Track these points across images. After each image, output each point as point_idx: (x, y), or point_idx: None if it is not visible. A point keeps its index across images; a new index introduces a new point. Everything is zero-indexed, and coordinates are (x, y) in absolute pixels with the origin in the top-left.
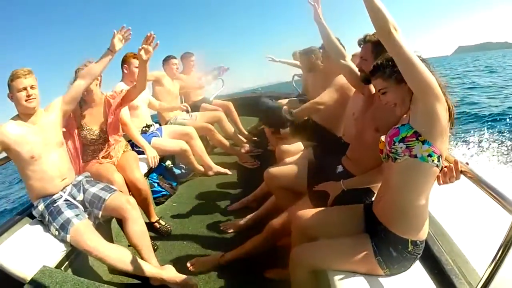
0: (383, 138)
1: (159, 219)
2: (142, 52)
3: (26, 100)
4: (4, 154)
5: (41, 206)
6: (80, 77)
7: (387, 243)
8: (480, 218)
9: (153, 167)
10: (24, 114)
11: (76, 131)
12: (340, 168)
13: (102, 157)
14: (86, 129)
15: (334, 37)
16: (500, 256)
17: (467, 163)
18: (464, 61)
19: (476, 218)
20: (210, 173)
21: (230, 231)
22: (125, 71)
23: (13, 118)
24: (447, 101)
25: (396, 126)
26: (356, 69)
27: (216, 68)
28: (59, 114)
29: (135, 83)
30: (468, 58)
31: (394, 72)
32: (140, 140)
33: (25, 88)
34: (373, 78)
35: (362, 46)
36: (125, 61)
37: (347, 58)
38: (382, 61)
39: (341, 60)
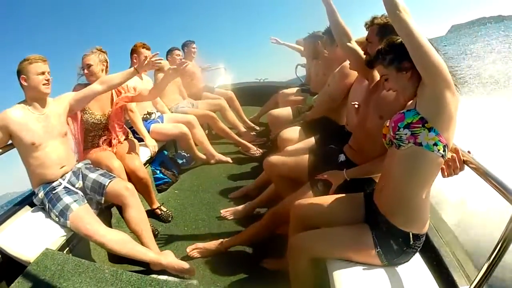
0: (387, 122)
1: (160, 206)
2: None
3: (44, 84)
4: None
5: (41, 194)
6: (99, 82)
7: (388, 236)
8: (483, 208)
9: (152, 156)
10: (35, 99)
11: (80, 114)
12: (342, 157)
13: (103, 143)
14: (88, 113)
15: (341, 19)
16: (499, 249)
17: (469, 152)
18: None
19: (478, 208)
20: (212, 161)
21: (230, 218)
22: (135, 60)
23: (18, 104)
24: (456, 86)
25: (401, 111)
26: (361, 52)
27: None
28: (67, 107)
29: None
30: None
31: (394, 59)
32: (142, 129)
33: (43, 73)
34: (375, 65)
35: (368, 28)
36: (134, 51)
37: (353, 41)
38: (383, 47)
39: (347, 42)
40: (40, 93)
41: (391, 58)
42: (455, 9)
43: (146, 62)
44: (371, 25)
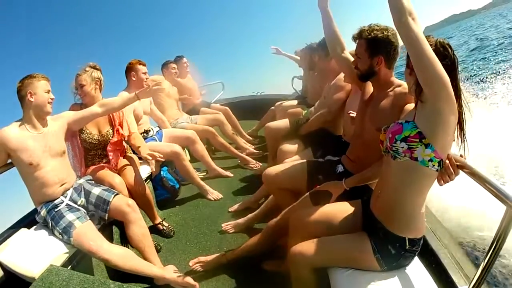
0: (385, 129)
1: (162, 221)
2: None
3: (48, 103)
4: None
5: (43, 212)
6: (98, 105)
7: (385, 241)
8: (478, 209)
9: (153, 173)
10: (36, 117)
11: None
12: (340, 168)
13: (103, 163)
14: (85, 133)
15: (337, 28)
16: (494, 248)
17: (461, 155)
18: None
19: (474, 210)
20: (212, 175)
21: (231, 231)
22: (133, 78)
23: (16, 122)
24: (458, 102)
25: (400, 121)
26: None
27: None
28: (65, 126)
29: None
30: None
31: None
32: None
33: (48, 91)
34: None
35: (356, 42)
36: (131, 69)
37: (346, 51)
38: None
39: (341, 52)
40: (44, 112)
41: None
42: (425, 11)
43: (148, 90)
44: (359, 38)
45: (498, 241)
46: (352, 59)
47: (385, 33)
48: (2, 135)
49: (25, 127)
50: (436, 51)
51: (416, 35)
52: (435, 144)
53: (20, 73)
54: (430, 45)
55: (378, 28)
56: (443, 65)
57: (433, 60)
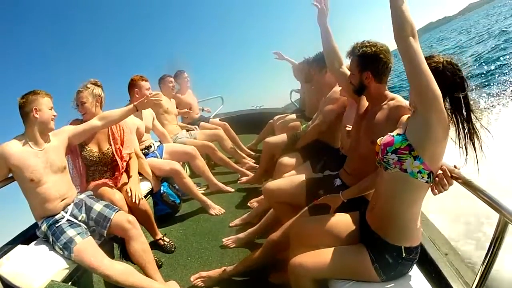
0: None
1: (163, 236)
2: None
3: (52, 119)
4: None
5: (44, 227)
6: (98, 118)
7: (382, 251)
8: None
9: (153, 189)
10: (39, 133)
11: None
12: (338, 182)
13: (104, 178)
14: (86, 150)
15: (335, 43)
16: (490, 255)
17: (455, 166)
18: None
19: (469, 218)
20: (213, 190)
21: (232, 246)
22: (136, 95)
23: (18, 137)
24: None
25: (392, 134)
26: None
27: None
28: (66, 141)
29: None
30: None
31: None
32: (146, 169)
33: (51, 108)
34: None
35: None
36: (134, 85)
37: (344, 66)
38: None
39: (338, 67)
40: (48, 128)
41: None
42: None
43: (146, 100)
44: (351, 55)
45: (494, 247)
46: (349, 73)
47: (373, 49)
48: (4, 151)
49: (27, 143)
50: (444, 70)
51: (414, 51)
52: (423, 156)
53: (16, 89)
54: (438, 64)
55: (367, 44)
56: (452, 82)
57: (428, 75)
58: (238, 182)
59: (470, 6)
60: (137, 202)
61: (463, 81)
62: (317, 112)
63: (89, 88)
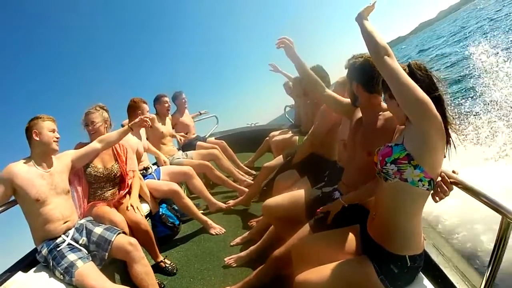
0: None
1: (164, 259)
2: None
3: (54, 141)
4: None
5: (44, 251)
6: (97, 141)
7: (386, 261)
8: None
9: (152, 211)
10: (43, 155)
11: (83, 170)
12: (336, 194)
13: (105, 197)
14: (91, 166)
15: (311, 71)
16: (496, 256)
17: (453, 171)
18: None
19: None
20: (212, 209)
21: (234, 265)
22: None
23: (24, 159)
24: (444, 118)
25: (389, 144)
26: (338, 97)
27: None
28: (69, 165)
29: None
30: None
31: (387, 88)
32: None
33: (54, 131)
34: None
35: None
36: (136, 107)
37: (327, 89)
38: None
39: (323, 92)
40: (50, 149)
41: (385, 86)
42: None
43: (139, 121)
44: (345, 68)
45: (498, 248)
46: (334, 95)
47: (360, 60)
48: (11, 170)
49: (33, 164)
50: (412, 73)
51: (392, 69)
52: (423, 164)
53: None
54: (404, 69)
55: (356, 56)
56: (425, 84)
57: (412, 87)
58: (226, 204)
59: (420, 26)
60: (139, 216)
61: (431, 80)
62: (313, 126)
63: (98, 110)
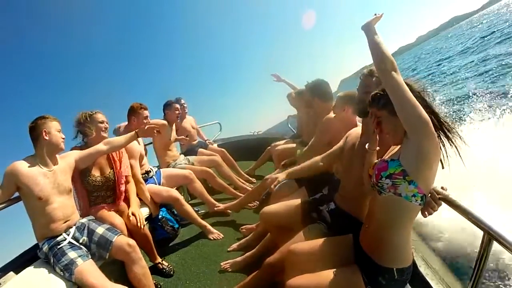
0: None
1: (162, 260)
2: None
3: (61, 141)
4: (16, 194)
5: (45, 248)
6: (104, 143)
7: (374, 273)
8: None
9: (153, 214)
10: (49, 154)
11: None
12: (332, 205)
13: (106, 203)
14: (89, 176)
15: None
16: (478, 270)
17: (442, 187)
18: None
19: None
20: (212, 211)
21: (230, 270)
22: (134, 122)
23: (27, 158)
24: (442, 135)
25: (385, 159)
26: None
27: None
28: (73, 165)
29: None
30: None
31: (387, 103)
32: (146, 195)
33: (59, 131)
34: (369, 108)
35: (363, 78)
36: (134, 112)
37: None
38: (378, 91)
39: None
40: (58, 149)
41: (384, 102)
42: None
43: (146, 129)
44: (370, 76)
45: (480, 262)
46: (328, 154)
47: (369, 72)
48: (15, 168)
49: (37, 163)
50: (411, 90)
51: (398, 84)
52: (418, 180)
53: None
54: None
55: (367, 67)
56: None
57: (415, 104)
58: (215, 208)
59: (401, 49)
60: (142, 227)
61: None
62: (314, 137)
63: (99, 112)
